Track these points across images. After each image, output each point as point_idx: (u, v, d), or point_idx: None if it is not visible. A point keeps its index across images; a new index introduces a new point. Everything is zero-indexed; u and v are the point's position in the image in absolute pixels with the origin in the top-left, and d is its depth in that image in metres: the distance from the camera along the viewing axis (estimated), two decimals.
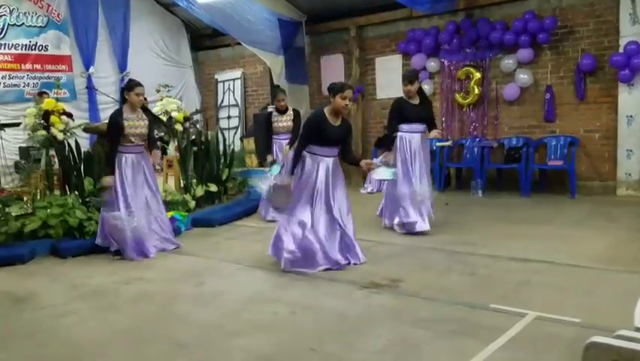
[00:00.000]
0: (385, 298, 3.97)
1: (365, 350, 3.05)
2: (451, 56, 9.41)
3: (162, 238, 5.80)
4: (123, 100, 5.57)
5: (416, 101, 6.09)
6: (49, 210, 5.72)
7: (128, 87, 5.50)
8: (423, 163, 6.08)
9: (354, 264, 4.85)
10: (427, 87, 9.67)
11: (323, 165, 4.80)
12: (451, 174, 9.58)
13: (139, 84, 5.49)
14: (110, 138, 5.49)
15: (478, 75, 9.11)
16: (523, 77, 8.66)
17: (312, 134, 4.78)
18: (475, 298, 3.84)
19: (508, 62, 8.77)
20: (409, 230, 5.95)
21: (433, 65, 9.59)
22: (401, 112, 6.07)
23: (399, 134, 6.11)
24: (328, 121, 4.76)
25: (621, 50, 7.69)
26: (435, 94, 9.71)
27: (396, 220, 6.07)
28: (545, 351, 2.93)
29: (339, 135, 4.85)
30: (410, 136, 6.06)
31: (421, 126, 6.10)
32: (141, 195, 5.59)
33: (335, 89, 4.75)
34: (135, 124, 5.45)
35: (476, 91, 9.13)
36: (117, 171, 5.41)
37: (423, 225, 5.93)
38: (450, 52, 9.40)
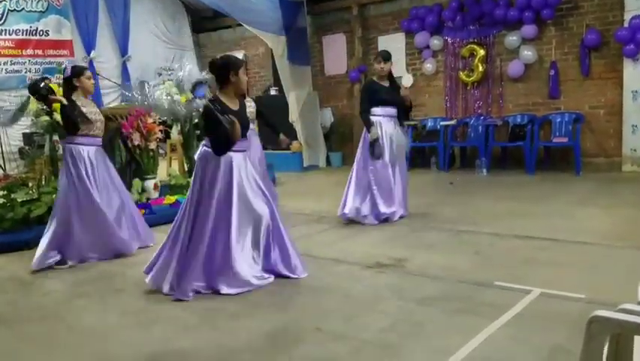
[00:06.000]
0: (390, 278, 3.98)
1: (371, 329, 3.06)
2: (455, 33, 9.34)
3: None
4: (71, 89, 4.85)
5: (386, 83, 5.82)
6: (54, 196, 5.71)
7: (77, 73, 4.83)
8: (398, 149, 5.80)
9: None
10: (429, 66, 9.62)
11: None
12: (455, 153, 9.57)
13: (87, 68, 5.05)
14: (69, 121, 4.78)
15: (482, 52, 9.05)
16: (528, 53, 8.59)
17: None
18: (480, 276, 3.85)
19: (512, 39, 8.69)
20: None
21: (436, 42, 9.51)
22: (374, 94, 5.76)
23: (372, 118, 5.75)
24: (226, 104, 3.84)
25: (626, 24, 7.62)
26: (438, 72, 9.66)
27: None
28: (550, 327, 2.94)
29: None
30: (384, 120, 5.74)
31: (394, 110, 5.80)
32: (107, 192, 5.04)
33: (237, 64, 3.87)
34: (93, 110, 4.95)
35: (480, 68, 9.08)
36: (75, 165, 4.85)
37: (372, 219, 5.70)
38: (453, 29, 9.32)
